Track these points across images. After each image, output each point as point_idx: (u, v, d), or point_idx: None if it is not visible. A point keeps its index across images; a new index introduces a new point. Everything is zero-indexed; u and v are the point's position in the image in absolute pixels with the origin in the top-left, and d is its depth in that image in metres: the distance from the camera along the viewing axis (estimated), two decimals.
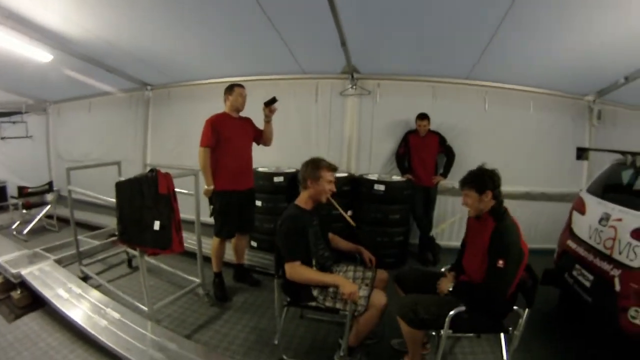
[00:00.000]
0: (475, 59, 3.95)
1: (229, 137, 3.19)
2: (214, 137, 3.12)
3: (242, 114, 3.38)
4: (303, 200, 2.40)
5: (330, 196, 2.43)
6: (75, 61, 4.63)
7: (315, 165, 2.35)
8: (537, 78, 4.44)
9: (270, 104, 3.25)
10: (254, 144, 3.46)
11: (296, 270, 2.15)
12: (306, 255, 2.25)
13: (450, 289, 2.15)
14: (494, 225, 2.07)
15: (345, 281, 2.13)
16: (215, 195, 3.21)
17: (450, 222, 4.71)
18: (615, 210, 2.60)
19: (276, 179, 4.19)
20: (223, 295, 3.31)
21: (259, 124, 3.45)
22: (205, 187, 3.16)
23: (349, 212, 3.96)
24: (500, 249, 1.97)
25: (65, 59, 4.53)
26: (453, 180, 4.49)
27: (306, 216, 2.35)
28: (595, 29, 3.15)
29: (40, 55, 4.32)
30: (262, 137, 3.44)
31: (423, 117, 4.27)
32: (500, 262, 1.92)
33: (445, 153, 4.41)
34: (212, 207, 3.29)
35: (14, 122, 7.07)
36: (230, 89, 3.30)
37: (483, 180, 2.14)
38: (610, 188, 2.98)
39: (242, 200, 3.34)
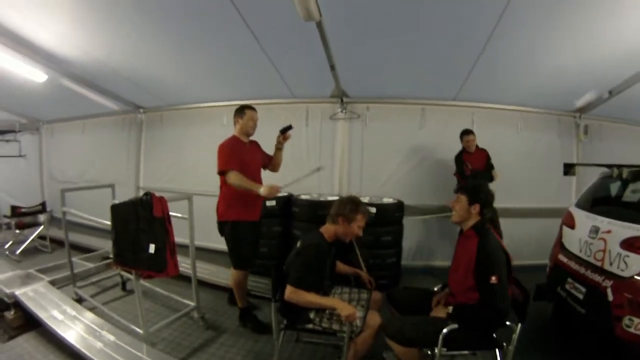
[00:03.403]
0: (462, 79, 4.05)
1: (244, 163, 2.96)
2: (236, 160, 2.90)
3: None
4: (328, 232, 2.38)
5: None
6: (69, 82, 4.65)
7: (354, 207, 2.33)
8: (523, 96, 4.53)
9: (285, 131, 3.16)
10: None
11: (297, 294, 2.15)
12: (317, 286, 2.28)
13: (450, 312, 2.14)
14: (477, 241, 2.11)
15: (344, 304, 2.15)
16: (232, 225, 3.03)
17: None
18: (604, 223, 2.66)
19: (269, 204, 4.15)
20: (262, 326, 3.12)
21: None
22: (261, 191, 2.75)
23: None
24: (490, 266, 2.00)
25: (60, 79, 4.55)
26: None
27: (328, 248, 2.36)
28: (579, 46, 3.26)
29: (35, 74, 4.34)
30: (270, 163, 3.31)
31: (468, 132, 4.30)
32: (494, 278, 1.95)
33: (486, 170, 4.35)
34: (229, 239, 3.08)
35: (7, 141, 7.08)
36: (241, 111, 3.11)
37: (478, 193, 2.22)
38: (599, 201, 3.05)
39: (256, 230, 3.21)
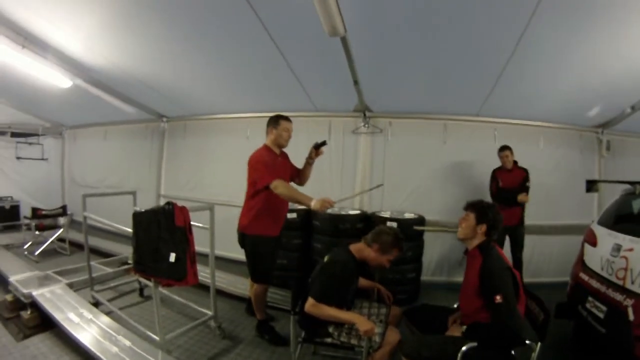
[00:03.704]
0: (485, 94, 4.02)
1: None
2: (273, 170, 2.80)
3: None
4: (359, 251, 2.41)
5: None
6: (93, 89, 4.76)
7: (394, 241, 2.36)
8: (545, 112, 4.48)
9: (319, 146, 3.09)
10: None
11: (317, 307, 2.17)
12: (340, 302, 2.28)
13: (464, 331, 2.13)
14: (481, 261, 2.10)
15: (363, 319, 2.15)
16: (254, 240, 2.96)
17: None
18: (626, 241, 2.61)
19: (289, 216, 4.03)
20: (279, 338, 3.08)
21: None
22: (312, 204, 2.58)
23: None
24: (493, 285, 1.99)
25: (84, 86, 4.66)
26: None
27: (355, 266, 2.38)
28: (602, 60, 3.21)
29: (60, 80, 4.44)
30: (298, 176, 3.22)
31: (504, 148, 4.21)
32: (498, 297, 1.93)
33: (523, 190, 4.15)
34: (250, 252, 3.02)
35: (30, 144, 7.28)
36: (276, 121, 2.97)
37: (486, 213, 2.19)
38: (621, 219, 2.99)
39: (276, 244, 3.14)
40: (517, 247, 4.24)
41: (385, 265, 2.40)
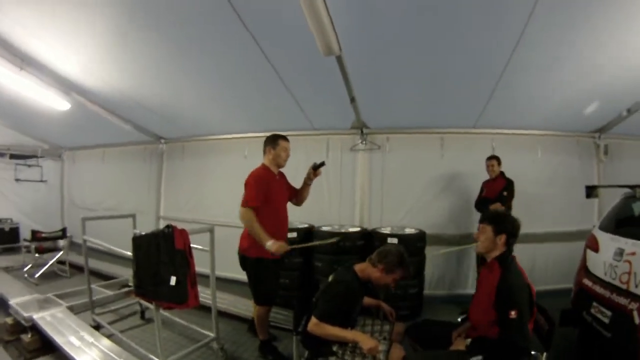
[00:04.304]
0: (481, 107, 4.04)
1: (273, 197, 2.89)
2: (261, 196, 2.79)
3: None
4: (363, 272, 2.40)
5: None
6: (91, 111, 4.79)
7: (399, 261, 2.35)
8: (542, 120, 4.49)
9: (317, 167, 3.08)
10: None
11: (320, 327, 2.15)
12: (344, 322, 2.27)
13: (468, 345, 2.11)
14: (500, 274, 2.07)
15: (366, 337, 2.14)
16: (255, 262, 2.92)
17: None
18: (629, 244, 2.61)
19: (290, 235, 3.94)
20: (282, 358, 3.07)
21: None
22: (268, 244, 2.69)
23: None
24: (510, 300, 1.96)
25: (82, 108, 4.68)
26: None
27: (359, 286, 2.38)
28: (596, 64, 3.23)
29: (58, 103, 4.47)
30: (295, 196, 3.21)
31: (490, 157, 4.24)
32: (513, 312, 1.90)
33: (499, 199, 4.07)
34: (252, 275, 2.99)
35: (29, 166, 7.31)
36: (274, 141, 2.97)
37: (504, 222, 2.17)
38: (622, 222, 3.00)
39: (278, 266, 3.08)
40: None
41: (391, 284, 2.39)
